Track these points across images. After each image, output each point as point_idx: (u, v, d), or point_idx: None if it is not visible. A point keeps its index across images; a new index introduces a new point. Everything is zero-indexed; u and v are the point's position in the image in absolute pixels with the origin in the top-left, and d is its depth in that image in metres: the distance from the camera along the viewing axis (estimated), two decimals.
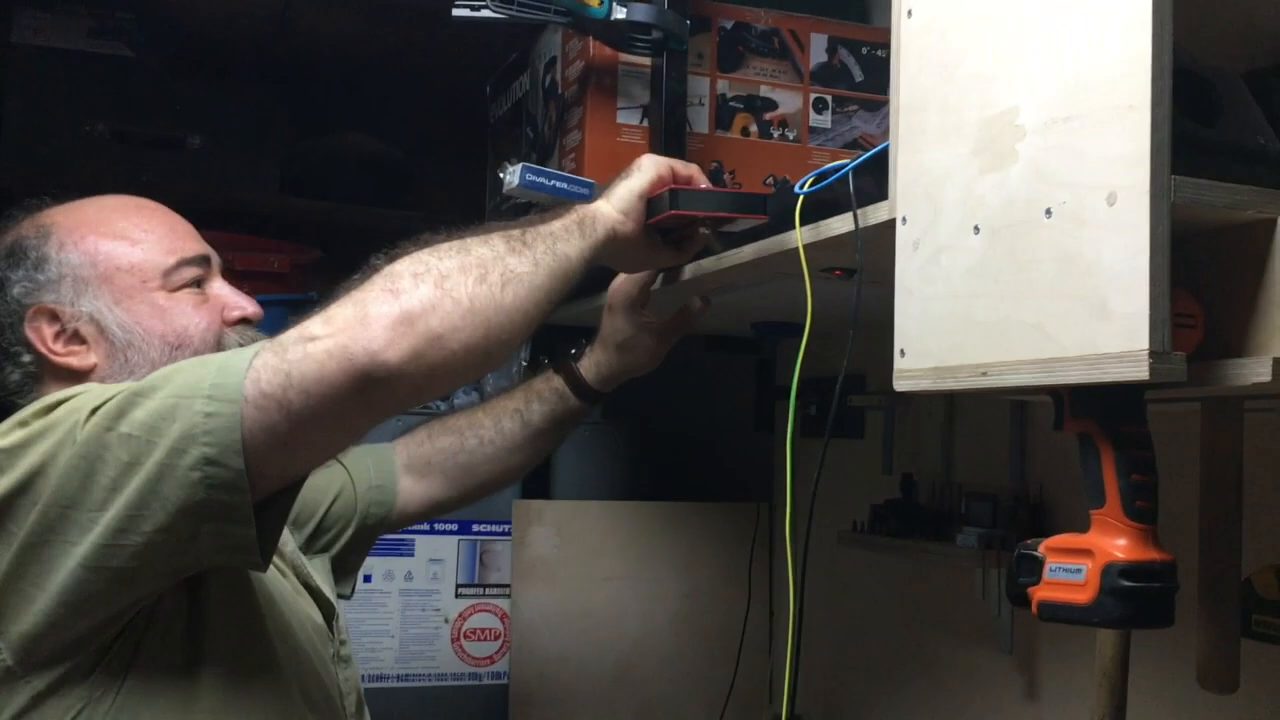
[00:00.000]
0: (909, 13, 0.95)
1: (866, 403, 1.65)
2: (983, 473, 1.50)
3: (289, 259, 2.24)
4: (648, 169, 1.20)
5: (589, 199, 1.36)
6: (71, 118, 2.23)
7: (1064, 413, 0.82)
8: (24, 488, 0.93)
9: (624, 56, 1.49)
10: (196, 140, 2.31)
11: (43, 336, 1.08)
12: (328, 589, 1.26)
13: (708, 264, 1.27)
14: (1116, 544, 0.77)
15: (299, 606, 1.16)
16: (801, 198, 1.06)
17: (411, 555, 1.86)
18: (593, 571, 1.91)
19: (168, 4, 2.18)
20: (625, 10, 1.40)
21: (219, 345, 1.11)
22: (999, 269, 0.83)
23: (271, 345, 0.93)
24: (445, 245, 1.00)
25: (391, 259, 0.98)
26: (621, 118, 1.51)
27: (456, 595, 1.88)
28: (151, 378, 0.96)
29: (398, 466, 1.42)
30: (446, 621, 1.87)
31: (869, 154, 0.99)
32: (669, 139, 1.45)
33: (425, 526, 1.87)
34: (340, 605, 1.28)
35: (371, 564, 1.85)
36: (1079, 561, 0.79)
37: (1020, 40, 0.83)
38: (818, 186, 1.04)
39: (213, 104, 2.33)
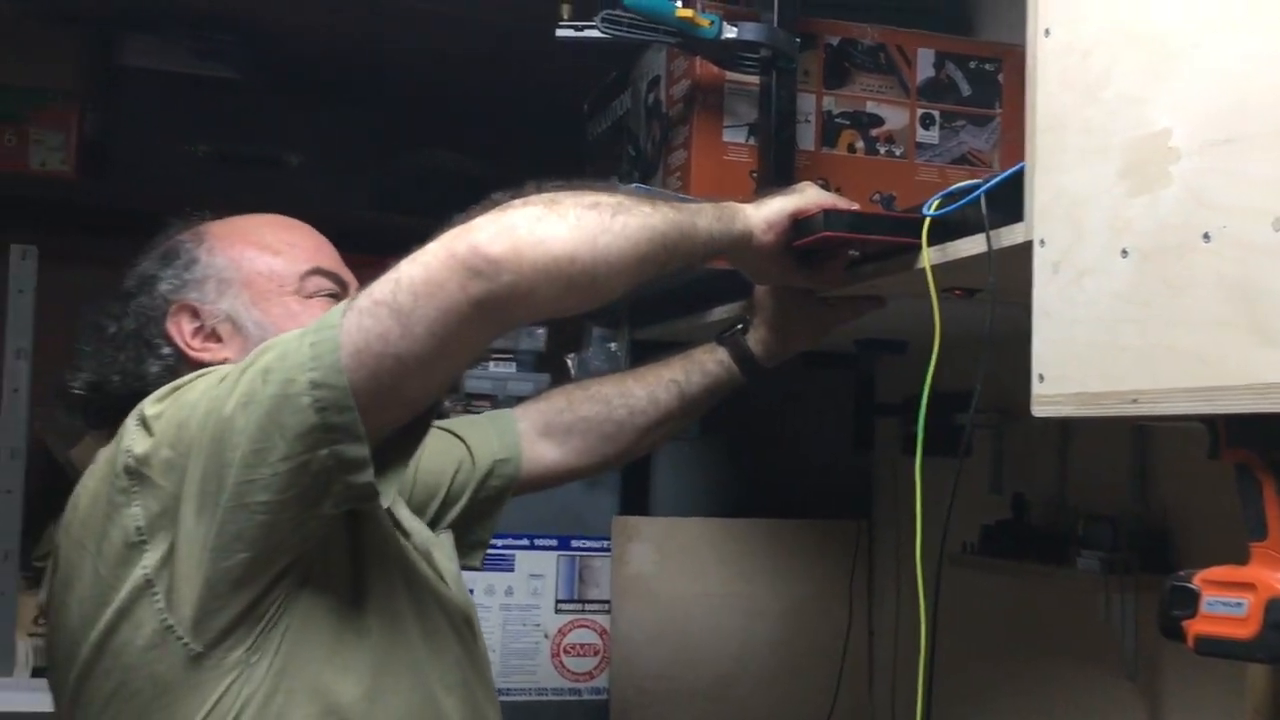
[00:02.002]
0: (1046, 32, 0.93)
1: (967, 421, 1.62)
2: (1099, 494, 1.47)
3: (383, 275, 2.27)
4: (809, 194, 1.18)
5: None
6: (176, 138, 2.29)
7: (1219, 442, 0.80)
8: (169, 445, 0.98)
9: (730, 75, 1.49)
10: (294, 159, 2.36)
11: (182, 331, 1.14)
12: (455, 566, 1.28)
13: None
14: None
15: (440, 590, 1.18)
16: (929, 219, 1.05)
17: (512, 570, 1.87)
18: (692, 588, 1.91)
19: (268, 26, 2.23)
20: (735, 30, 1.40)
21: None
22: (1150, 294, 0.82)
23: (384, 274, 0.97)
24: (565, 190, 1.02)
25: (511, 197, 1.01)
26: (728, 136, 1.50)
27: (556, 610, 1.89)
28: (271, 340, 1.01)
29: (523, 433, 1.41)
30: (546, 637, 1.88)
31: (1003, 175, 0.98)
32: (778, 157, 1.44)
33: (525, 542, 1.88)
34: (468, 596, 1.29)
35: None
36: (1239, 595, 0.77)
37: (1172, 61, 0.82)
38: (948, 209, 1.02)
39: (309, 122, 2.38)
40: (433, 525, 1.35)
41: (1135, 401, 0.82)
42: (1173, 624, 0.81)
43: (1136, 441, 1.40)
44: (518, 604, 1.88)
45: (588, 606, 1.90)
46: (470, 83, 2.42)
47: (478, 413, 1.52)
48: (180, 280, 1.15)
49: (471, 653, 1.17)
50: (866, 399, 1.97)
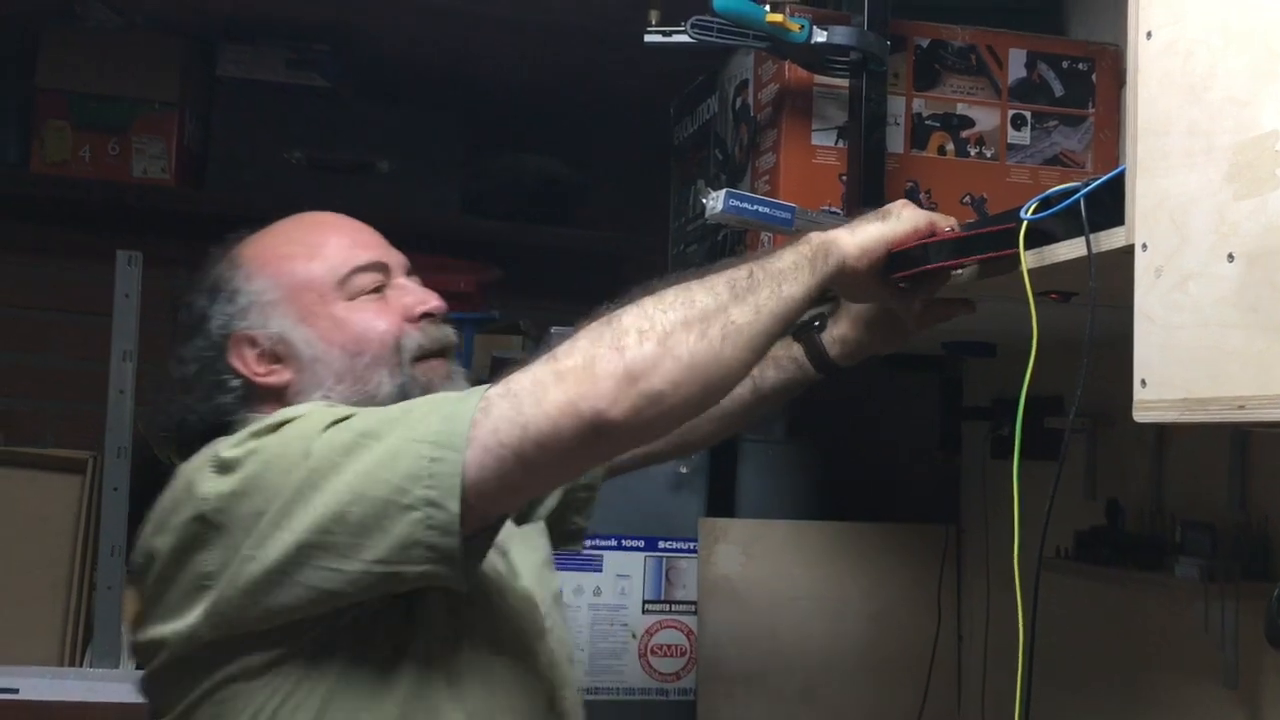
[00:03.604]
0: (1148, 34, 0.92)
1: (1066, 425, 1.60)
2: (1197, 500, 1.45)
3: (474, 278, 2.31)
4: (906, 220, 1.17)
5: (790, 224, 1.36)
6: (271, 146, 2.35)
7: None
8: (247, 496, 1.00)
9: (819, 78, 1.49)
10: (385, 165, 2.41)
11: (245, 361, 1.15)
12: (538, 556, 1.30)
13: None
14: None
15: (507, 586, 1.20)
16: (1025, 223, 1.04)
17: (600, 571, 1.90)
18: (778, 591, 1.91)
19: (360, 35, 2.28)
20: (825, 33, 1.40)
21: (398, 345, 1.15)
22: (1258, 298, 0.80)
23: (504, 394, 0.98)
24: (670, 293, 1.02)
25: (617, 305, 1.02)
26: (816, 139, 1.51)
27: (643, 611, 1.91)
28: (378, 419, 1.02)
29: None
30: (634, 637, 1.90)
31: (1103, 179, 0.97)
32: (867, 161, 1.44)
33: (613, 543, 1.90)
34: (553, 583, 1.31)
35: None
36: None
37: (1278, 62, 0.80)
38: (1046, 213, 1.01)
39: (399, 129, 2.42)
40: (525, 517, 1.36)
41: (1242, 408, 0.81)
42: None
43: (1236, 446, 1.38)
44: (605, 604, 1.90)
45: (674, 607, 1.92)
46: (558, 88, 2.44)
47: None
48: (228, 314, 1.16)
49: (538, 643, 1.19)
50: (954, 402, 1.96)
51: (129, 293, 1.92)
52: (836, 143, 1.50)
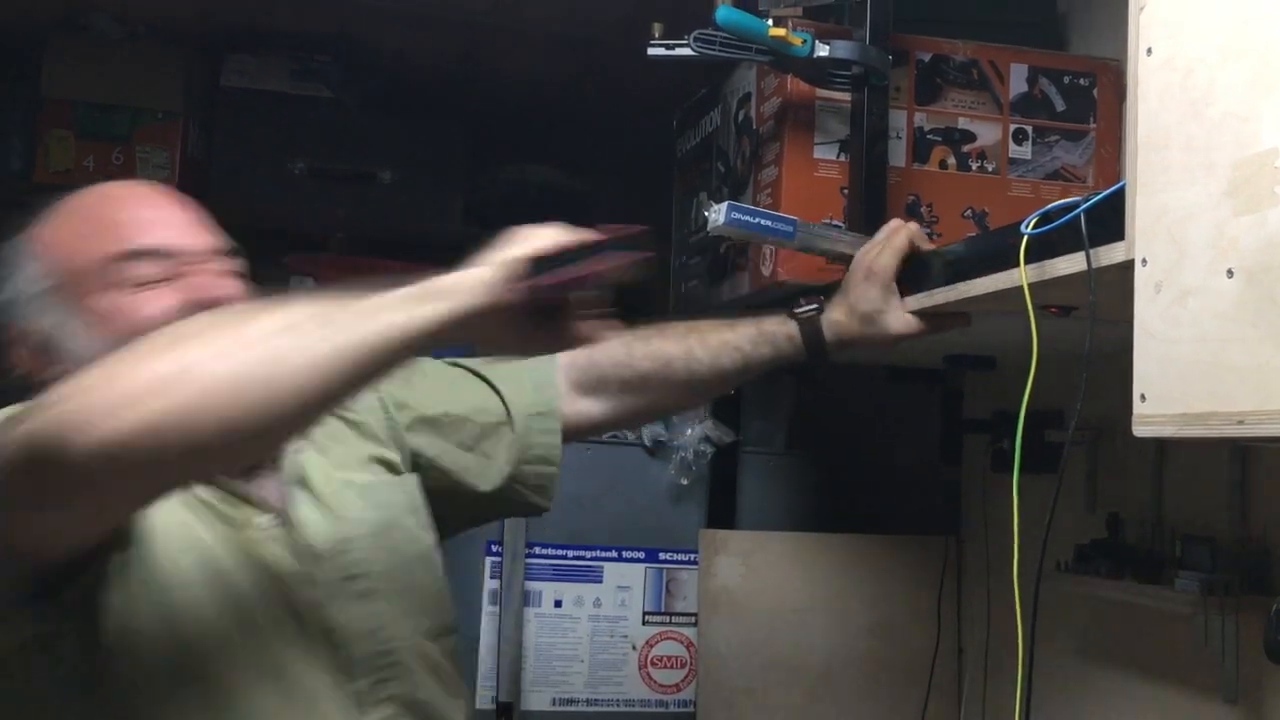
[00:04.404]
0: (1148, 50, 0.93)
1: (1065, 438, 1.60)
2: (1197, 513, 1.45)
3: None
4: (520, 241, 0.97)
5: (792, 236, 1.37)
6: (274, 156, 2.35)
7: None
8: None
9: (821, 92, 1.50)
10: (387, 175, 2.41)
11: (21, 357, 1.05)
12: (373, 515, 1.11)
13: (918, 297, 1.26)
14: None
15: (232, 574, 1.03)
16: (1026, 238, 1.05)
17: (600, 582, 1.90)
18: (778, 603, 1.91)
19: (363, 46, 2.29)
20: (828, 48, 1.41)
21: None
22: (1257, 314, 0.81)
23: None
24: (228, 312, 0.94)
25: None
26: (819, 153, 1.51)
27: (644, 622, 1.91)
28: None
29: (568, 386, 1.30)
30: (634, 648, 1.90)
31: (1103, 194, 0.98)
32: (869, 174, 1.45)
33: (613, 554, 1.90)
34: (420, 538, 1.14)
35: (562, 589, 1.89)
36: None
37: (1278, 78, 0.81)
38: (1046, 228, 1.02)
39: (402, 139, 2.43)
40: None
41: (1242, 423, 0.81)
42: None
43: (1235, 460, 1.38)
44: (605, 615, 1.90)
45: (674, 619, 1.92)
46: (561, 98, 2.45)
47: None
48: (3, 307, 1.06)
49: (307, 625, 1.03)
50: (954, 414, 1.96)
51: None
52: (838, 156, 1.51)
